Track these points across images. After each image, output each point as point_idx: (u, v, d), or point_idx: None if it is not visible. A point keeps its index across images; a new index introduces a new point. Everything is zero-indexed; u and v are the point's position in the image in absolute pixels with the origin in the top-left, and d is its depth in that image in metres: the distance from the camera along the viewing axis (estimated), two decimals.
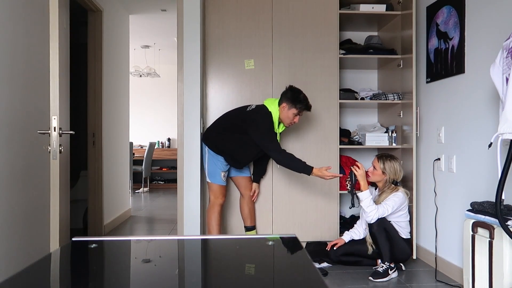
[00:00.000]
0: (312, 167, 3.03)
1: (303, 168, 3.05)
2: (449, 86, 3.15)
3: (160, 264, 1.23)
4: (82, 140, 4.33)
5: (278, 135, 3.26)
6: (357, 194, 3.12)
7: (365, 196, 3.06)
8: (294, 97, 3.13)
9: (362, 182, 3.10)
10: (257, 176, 3.55)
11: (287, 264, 1.26)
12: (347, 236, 3.35)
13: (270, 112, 3.15)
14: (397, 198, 3.09)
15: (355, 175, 3.13)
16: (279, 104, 3.17)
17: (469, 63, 2.91)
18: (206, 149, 3.29)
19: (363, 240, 3.29)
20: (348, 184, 3.24)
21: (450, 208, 3.13)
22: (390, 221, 3.14)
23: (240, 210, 3.52)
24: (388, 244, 3.05)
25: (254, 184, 3.53)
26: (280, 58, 3.62)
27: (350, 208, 3.19)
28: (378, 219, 3.04)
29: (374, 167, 3.22)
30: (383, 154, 3.26)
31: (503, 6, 2.59)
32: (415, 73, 3.41)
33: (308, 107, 3.17)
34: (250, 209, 3.50)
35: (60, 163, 2.46)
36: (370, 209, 3.04)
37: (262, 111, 3.17)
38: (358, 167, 3.14)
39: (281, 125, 3.26)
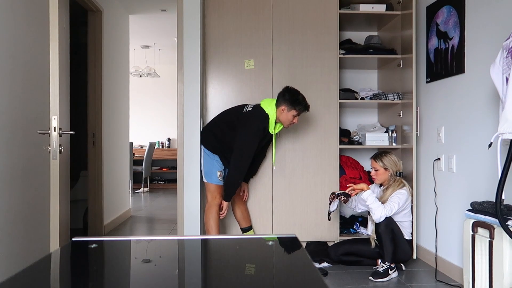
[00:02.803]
0: (230, 199, 3.25)
1: (229, 193, 3.20)
2: (449, 86, 3.15)
3: (160, 264, 1.23)
4: (82, 140, 4.33)
5: (274, 136, 3.25)
6: (361, 196, 3.13)
7: (367, 194, 3.08)
8: (292, 99, 3.10)
9: (362, 186, 3.12)
10: (247, 176, 3.50)
11: (287, 264, 1.26)
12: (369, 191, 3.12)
13: (267, 115, 3.12)
14: (401, 195, 3.11)
15: (339, 195, 3.17)
16: (277, 106, 3.13)
17: (469, 63, 2.91)
18: (202, 148, 3.28)
19: (364, 239, 3.30)
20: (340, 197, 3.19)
21: (450, 208, 3.13)
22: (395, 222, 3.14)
23: (234, 214, 3.49)
24: (393, 245, 3.04)
25: (243, 184, 3.49)
26: (280, 58, 3.61)
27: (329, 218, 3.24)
28: (386, 218, 3.04)
29: (374, 169, 3.24)
30: (377, 153, 3.29)
31: (503, 6, 2.58)
32: (415, 73, 3.41)
33: (307, 107, 3.16)
34: (242, 210, 3.48)
35: (60, 163, 2.46)
36: (375, 205, 3.04)
37: (258, 115, 3.13)
38: (353, 188, 3.16)
39: (277, 125, 3.22)
